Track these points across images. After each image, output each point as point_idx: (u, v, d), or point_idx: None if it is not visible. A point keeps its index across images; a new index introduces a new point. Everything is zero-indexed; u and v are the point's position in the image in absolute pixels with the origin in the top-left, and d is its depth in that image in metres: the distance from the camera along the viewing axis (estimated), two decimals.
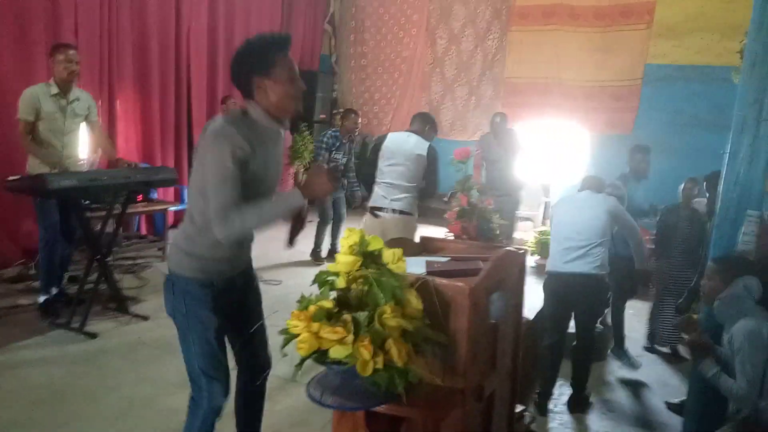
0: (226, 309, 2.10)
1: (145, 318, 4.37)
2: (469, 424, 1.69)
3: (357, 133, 6.58)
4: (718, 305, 2.56)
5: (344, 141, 6.29)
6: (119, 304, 4.44)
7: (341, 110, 7.84)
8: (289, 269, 6.05)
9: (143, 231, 6.69)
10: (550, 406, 3.71)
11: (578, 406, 3.69)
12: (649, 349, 4.94)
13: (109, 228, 4.51)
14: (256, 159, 1.92)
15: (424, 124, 4.16)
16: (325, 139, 6.30)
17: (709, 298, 2.63)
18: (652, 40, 7.29)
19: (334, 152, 6.23)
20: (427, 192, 4.04)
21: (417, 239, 2.36)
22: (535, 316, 3.80)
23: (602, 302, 3.82)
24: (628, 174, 4.73)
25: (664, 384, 4.19)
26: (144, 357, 3.80)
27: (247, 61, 1.95)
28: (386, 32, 9.00)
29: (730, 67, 3.15)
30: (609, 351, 4.56)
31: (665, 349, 4.94)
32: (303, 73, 2.14)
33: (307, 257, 6.44)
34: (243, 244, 2.14)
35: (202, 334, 2.05)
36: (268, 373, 2.34)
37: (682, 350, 4.73)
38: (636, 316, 5.26)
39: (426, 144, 4.03)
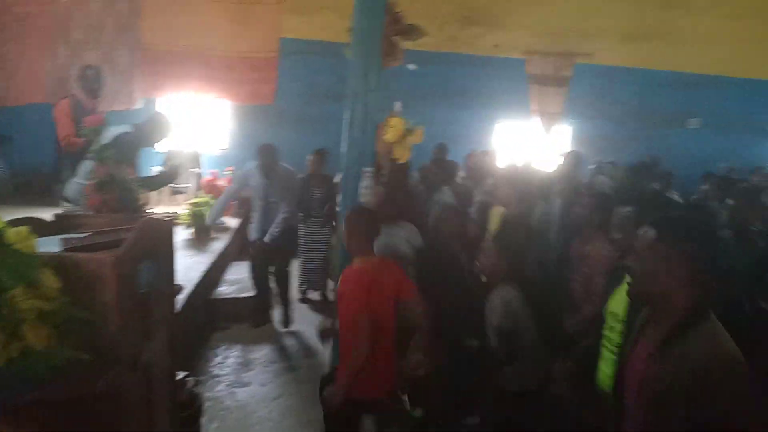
0: None
1: None
2: (127, 395, 1.67)
3: None
4: None
5: None
6: None
7: None
8: None
9: None
10: (216, 370, 4.06)
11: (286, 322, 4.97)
12: (303, 300, 5.50)
13: None
14: None
15: None
16: None
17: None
18: (286, 14, 7.75)
19: None
20: None
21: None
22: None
23: None
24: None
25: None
26: None
27: None
28: None
29: (345, 44, 3.63)
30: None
31: (316, 296, 5.58)
32: None
33: None
34: None
35: None
36: None
37: (330, 295, 5.40)
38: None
39: None
